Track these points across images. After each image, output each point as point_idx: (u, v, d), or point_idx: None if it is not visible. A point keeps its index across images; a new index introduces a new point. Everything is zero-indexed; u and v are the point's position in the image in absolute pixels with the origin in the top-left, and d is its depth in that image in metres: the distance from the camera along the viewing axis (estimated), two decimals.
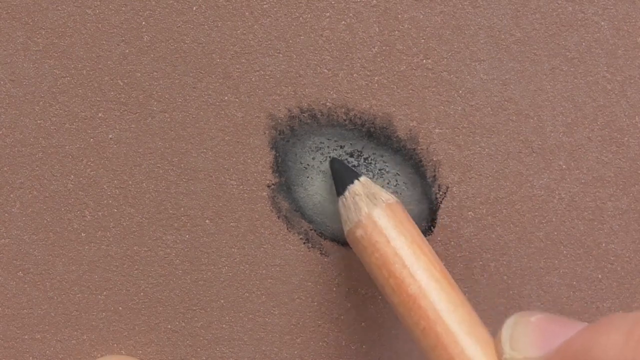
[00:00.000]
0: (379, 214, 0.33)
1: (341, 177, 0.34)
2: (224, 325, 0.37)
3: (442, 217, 0.36)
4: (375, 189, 0.34)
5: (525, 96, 0.35)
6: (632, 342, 0.26)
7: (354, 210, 0.33)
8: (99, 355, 0.37)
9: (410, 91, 0.35)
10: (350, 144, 0.36)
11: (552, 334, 0.29)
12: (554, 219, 0.36)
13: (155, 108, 0.35)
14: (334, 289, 0.37)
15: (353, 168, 0.35)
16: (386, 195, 0.33)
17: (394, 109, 0.35)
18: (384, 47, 0.35)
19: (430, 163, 0.36)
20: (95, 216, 0.36)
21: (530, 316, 0.29)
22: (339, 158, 0.36)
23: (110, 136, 0.36)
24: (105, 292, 0.37)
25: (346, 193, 0.34)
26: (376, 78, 0.35)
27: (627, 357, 0.26)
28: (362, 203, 0.33)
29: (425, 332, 0.31)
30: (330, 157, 0.36)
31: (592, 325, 0.28)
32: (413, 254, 0.32)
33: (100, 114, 0.35)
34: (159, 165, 0.36)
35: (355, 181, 0.34)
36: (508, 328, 0.30)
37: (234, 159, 0.36)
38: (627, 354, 0.26)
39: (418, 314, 0.31)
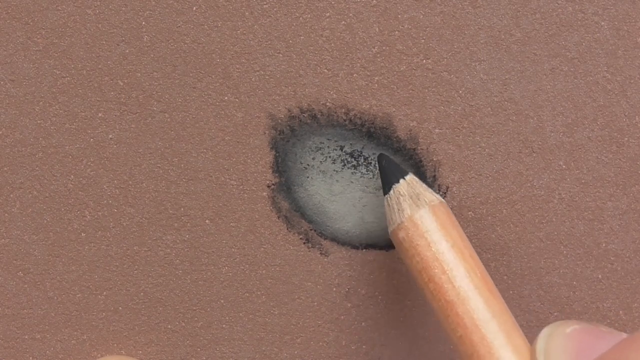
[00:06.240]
0: (421, 216, 0.32)
1: (387, 176, 0.34)
2: (224, 325, 0.37)
3: None
4: (420, 189, 0.33)
5: (525, 96, 0.35)
6: None
7: (397, 212, 0.33)
8: (99, 355, 0.37)
9: (410, 91, 0.35)
10: (350, 144, 0.36)
11: (587, 346, 0.28)
12: (554, 219, 0.36)
13: (155, 108, 0.35)
14: (334, 289, 0.37)
15: (400, 166, 0.35)
16: (431, 197, 0.33)
17: (394, 109, 0.35)
18: (384, 47, 0.35)
19: (430, 163, 0.36)
20: (95, 216, 0.36)
21: (566, 327, 0.29)
22: (386, 154, 0.35)
23: (110, 136, 0.36)
24: (105, 292, 0.37)
25: (391, 193, 0.33)
26: (376, 78, 0.35)
27: None
28: (406, 204, 0.33)
29: (462, 339, 0.31)
30: (374, 154, 0.35)
31: (626, 339, 0.27)
32: (453, 259, 0.32)
33: (100, 114, 0.35)
34: (159, 165, 0.36)
35: (401, 180, 0.33)
36: (543, 339, 0.29)
37: (234, 159, 0.36)
38: None
39: (455, 321, 0.31)
